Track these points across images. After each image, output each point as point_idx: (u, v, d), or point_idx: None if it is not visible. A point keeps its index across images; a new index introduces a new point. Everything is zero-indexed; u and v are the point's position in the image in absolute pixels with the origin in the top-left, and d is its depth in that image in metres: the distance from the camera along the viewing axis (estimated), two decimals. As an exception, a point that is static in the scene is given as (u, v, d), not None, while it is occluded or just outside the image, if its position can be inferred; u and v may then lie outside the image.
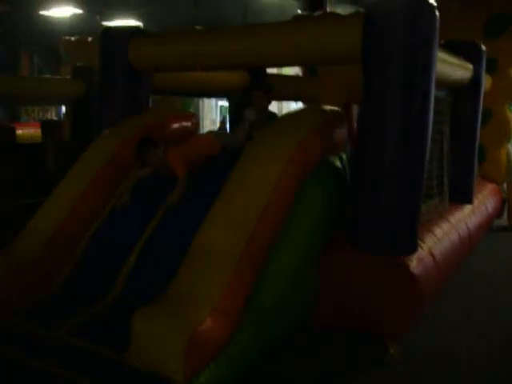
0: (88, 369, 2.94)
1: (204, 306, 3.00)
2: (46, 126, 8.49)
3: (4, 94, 6.99)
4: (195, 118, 5.29)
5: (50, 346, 3.20)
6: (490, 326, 4.49)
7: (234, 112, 7.67)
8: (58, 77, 11.63)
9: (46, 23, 15.57)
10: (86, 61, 8.54)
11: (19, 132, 9.66)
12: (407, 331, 3.85)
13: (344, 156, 4.31)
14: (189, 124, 5.00)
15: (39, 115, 15.59)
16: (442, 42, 4.52)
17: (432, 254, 4.09)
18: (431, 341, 4.19)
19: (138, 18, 14.94)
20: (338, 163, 4.17)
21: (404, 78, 3.55)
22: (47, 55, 16.80)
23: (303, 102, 9.09)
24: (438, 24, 3.61)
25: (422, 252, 3.93)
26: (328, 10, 10.63)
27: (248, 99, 4.89)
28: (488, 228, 6.59)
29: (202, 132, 5.59)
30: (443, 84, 4.63)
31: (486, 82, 6.26)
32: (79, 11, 14.83)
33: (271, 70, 7.86)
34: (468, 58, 5.46)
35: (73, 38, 13.09)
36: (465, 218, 5.42)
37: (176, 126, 4.93)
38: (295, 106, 12.36)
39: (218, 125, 17.78)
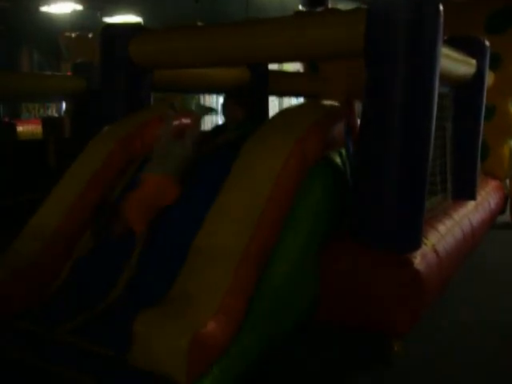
0: (90, 369, 2.92)
1: (206, 307, 2.97)
2: (47, 122, 8.49)
3: (4, 90, 6.96)
4: (195, 115, 5.25)
5: (51, 347, 3.18)
6: (494, 323, 4.47)
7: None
8: (59, 73, 11.61)
9: (47, 19, 15.54)
10: (87, 57, 8.52)
11: (20, 129, 9.65)
12: (411, 328, 3.83)
13: (343, 151, 4.29)
14: (188, 121, 4.96)
15: (40, 112, 15.56)
16: (446, 37, 4.49)
17: (435, 251, 4.06)
18: (434, 338, 4.17)
19: (139, 14, 14.91)
20: (337, 159, 4.14)
21: (407, 73, 3.52)
22: (47, 52, 16.76)
23: (304, 98, 9.06)
24: (442, 19, 3.58)
25: (425, 248, 3.91)
26: (329, 5, 10.59)
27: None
28: (491, 224, 6.57)
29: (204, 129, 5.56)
30: (446, 80, 4.61)
31: (489, 78, 6.23)
32: (79, 7, 14.79)
33: (272, 67, 7.83)
34: (471, 54, 5.43)
35: (73, 35, 13.06)
36: (468, 215, 5.40)
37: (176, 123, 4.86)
38: (296, 102, 12.31)
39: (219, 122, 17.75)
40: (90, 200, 4.15)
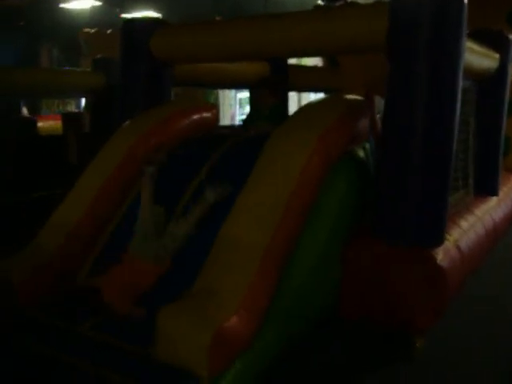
0: (113, 364, 2.93)
1: (229, 302, 2.97)
2: (67, 118, 8.53)
3: (24, 86, 7.01)
4: (215, 109, 5.24)
5: (75, 341, 3.19)
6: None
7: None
8: (79, 69, 11.66)
9: (66, 16, 15.62)
10: (106, 53, 8.55)
11: (40, 124, 9.71)
12: (433, 325, 3.80)
13: (367, 145, 4.25)
14: (209, 115, 4.95)
15: (59, 108, 15.65)
16: (468, 31, 4.44)
17: (458, 247, 4.03)
18: (456, 333, 4.13)
19: (157, 10, 14.92)
20: (361, 153, 4.11)
21: (431, 68, 3.49)
22: (67, 48, 16.84)
23: (324, 92, 9.02)
24: (466, 13, 3.54)
25: (448, 244, 3.88)
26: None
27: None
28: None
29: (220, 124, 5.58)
30: (469, 74, 4.55)
31: (512, 72, 6.15)
32: (98, 3, 14.85)
33: (291, 61, 7.81)
34: (494, 47, 5.36)
35: (92, 31, 13.10)
36: (490, 211, 5.34)
37: (196, 117, 4.87)
38: (314, 96, 12.25)
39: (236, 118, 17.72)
40: (111, 195, 4.17)
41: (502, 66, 5.58)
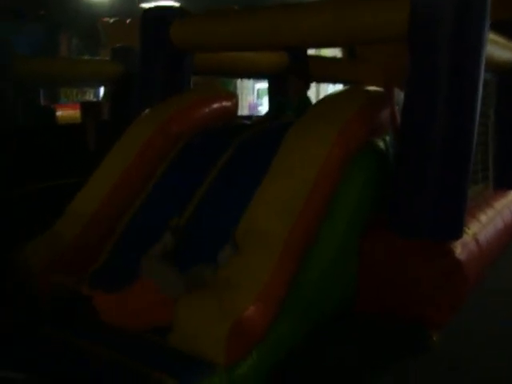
0: (130, 351, 2.94)
1: (248, 293, 2.98)
2: (86, 106, 8.56)
3: (45, 75, 7.05)
4: (235, 98, 5.23)
5: (91, 329, 3.20)
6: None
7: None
8: (98, 58, 11.71)
9: (85, 5, 15.65)
10: (125, 42, 8.57)
11: (59, 113, 9.78)
12: (450, 319, 3.78)
13: (388, 138, 4.22)
14: (229, 104, 4.95)
15: (77, 97, 15.73)
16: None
17: (477, 240, 4.00)
18: (472, 327, 4.10)
19: (176, 0, 14.91)
20: (381, 145, 4.08)
21: (453, 59, 3.45)
22: (86, 37, 16.90)
23: (343, 84, 8.97)
24: (489, 5, 3.49)
25: (466, 238, 3.85)
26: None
27: (284, 84, 4.90)
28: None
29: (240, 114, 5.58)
30: (490, 66, 4.50)
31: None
32: (118, -8, 14.88)
33: (310, 52, 7.76)
34: (514, 39, 5.29)
35: (112, 20, 13.14)
36: (509, 205, 5.30)
37: (216, 106, 4.86)
38: (333, 88, 12.19)
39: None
40: (130, 182, 4.19)
41: (524, 59, 5.51)
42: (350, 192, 3.67)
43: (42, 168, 5.92)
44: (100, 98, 13.78)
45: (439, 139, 3.51)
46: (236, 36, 4.53)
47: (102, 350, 2.94)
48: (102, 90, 12.86)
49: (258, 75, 7.67)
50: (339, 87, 9.35)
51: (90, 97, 15.55)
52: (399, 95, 4.43)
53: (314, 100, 5.10)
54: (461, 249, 3.66)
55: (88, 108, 8.28)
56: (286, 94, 5.30)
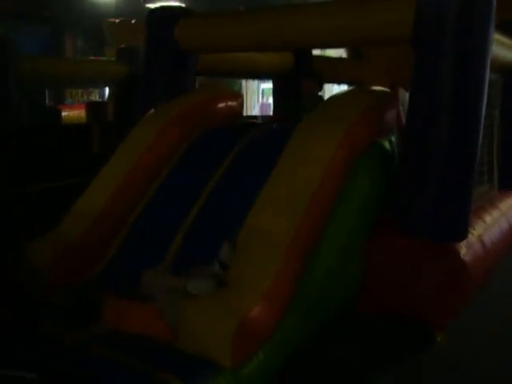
0: (136, 352, 2.94)
1: (254, 292, 2.97)
2: (91, 107, 8.59)
3: (50, 75, 7.07)
4: (240, 98, 5.23)
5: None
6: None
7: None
8: (103, 58, 11.72)
9: (90, 5, 15.70)
10: (130, 43, 8.59)
11: (64, 114, 9.81)
12: (454, 320, 3.77)
13: (393, 138, 4.22)
14: (234, 104, 4.95)
15: (83, 97, 15.77)
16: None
17: (482, 241, 3.99)
18: (474, 329, 4.09)
19: (181, 1, 14.94)
20: (387, 146, 4.07)
21: (458, 60, 3.44)
22: (91, 37, 16.93)
23: (348, 84, 8.97)
24: (494, 5, 3.48)
25: (471, 239, 3.84)
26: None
27: (297, 88, 4.93)
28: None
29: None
30: (495, 66, 4.49)
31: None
32: (123, -7, 14.93)
33: (315, 52, 7.76)
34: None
35: (117, 20, 13.15)
36: (514, 205, 5.27)
37: (221, 106, 4.85)
38: (337, 88, 12.17)
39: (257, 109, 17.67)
40: (135, 183, 4.20)
41: (530, 59, 5.49)
42: (355, 193, 3.66)
43: (41, 168, 5.93)
44: (105, 99, 13.81)
45: (444, 140, 3.50)
46: (241, 37, 4.53)
47: (107, 351, 2.94)
48: (107, 91, 12.88)
49: (262, 76, 7.68)
50: (344, 88, 9.36)
51: (95, 97, 15.59)
52: (404, 96, 4.44)
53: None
54: (466, 250, 3.65)
55: (93, 108, 8.33)
56: (293, 94, 5.30)
